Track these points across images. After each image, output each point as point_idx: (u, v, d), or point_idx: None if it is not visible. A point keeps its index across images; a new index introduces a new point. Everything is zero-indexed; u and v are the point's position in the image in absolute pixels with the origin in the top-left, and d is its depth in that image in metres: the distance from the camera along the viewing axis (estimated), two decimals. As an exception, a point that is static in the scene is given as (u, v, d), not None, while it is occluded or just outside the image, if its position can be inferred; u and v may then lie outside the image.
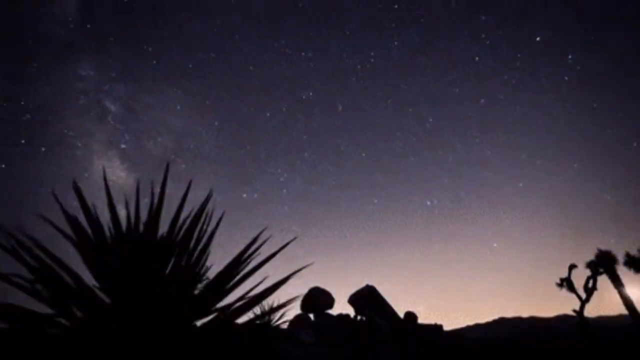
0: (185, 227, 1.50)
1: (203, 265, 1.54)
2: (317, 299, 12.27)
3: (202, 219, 1.61)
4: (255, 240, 1.52)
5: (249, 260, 1.50)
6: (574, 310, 10.57)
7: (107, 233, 1.50)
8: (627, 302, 9.23)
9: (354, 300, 13.56)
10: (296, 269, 1.60)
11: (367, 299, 13.94)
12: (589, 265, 10.50)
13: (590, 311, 11.98)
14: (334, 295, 13.13)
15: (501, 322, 16.36)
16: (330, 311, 12.67)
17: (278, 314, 6.74)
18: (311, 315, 12.04)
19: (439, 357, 10.16)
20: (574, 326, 11.27)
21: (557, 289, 11.86)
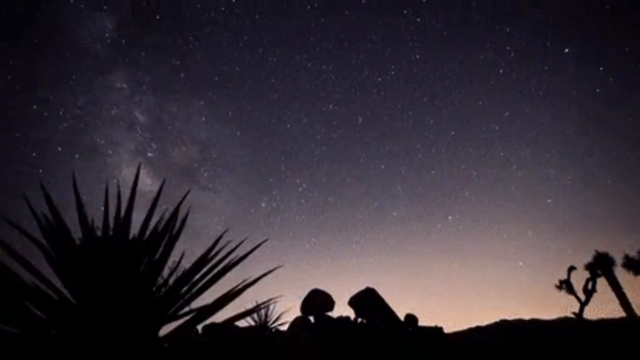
0: (147, 230, 1.47)
1: (174, 268, 1.51)
2: (317, 300, 12.20)
3: (173, 221, 1.56)
4: (216, 243, 1.49)
5: (212, 265, 1.46)
6: (573, 313, 10.43)
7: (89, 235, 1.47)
8: (625, 304, 9.08)
9: (354, 302, 13.46)
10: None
11: (368, 301, 13.83)
12: (588, 267, 10.36)
13: (592, 313, 11.82)
14: (334, 297, 13.05)
15: (502, 324, 16.11)
16: (330, 313, 12.58)
17: (274, 316, 6.69)
18: (311, 318, 11.96)
19: None
20: (575, 328, 11.12)
21: (565, 289, 11.73)
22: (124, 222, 1.44)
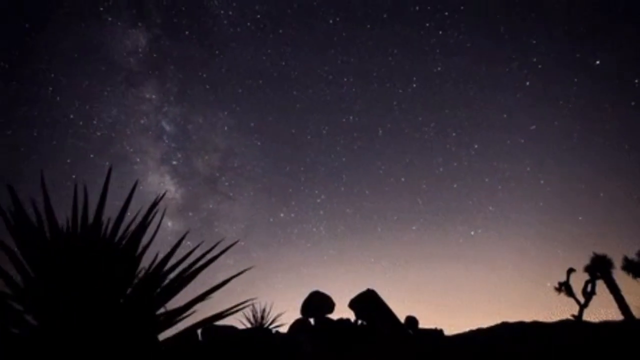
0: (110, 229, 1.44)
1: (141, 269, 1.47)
2: (317, 303, 12.12)
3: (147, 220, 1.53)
4: (178, 244, 1.45)
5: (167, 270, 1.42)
6: (573, 315, 10.25)
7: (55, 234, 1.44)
8: (623, 307, 8.92)
9: (354, 304, 13.35)
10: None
11: (368, 303, 13.72)
12: (587, 269, 10.20)
13: (594, 316, 11.62)
14: (335, 299, 12.97)
15: (503, 326, 15.85)
16: (330, 315, 12.50)
17: (271, 318, 6.64)
18: (311, 320, 11.88)
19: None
20: (577, 331, 10.92)
21: (564, 292, 11.57)
22: (95, 222, 1.41)
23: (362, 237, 33.19)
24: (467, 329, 17.65)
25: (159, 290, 1.52)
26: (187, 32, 27.43)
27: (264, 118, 32.26)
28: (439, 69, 28.49)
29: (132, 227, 1.59)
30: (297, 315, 12.21)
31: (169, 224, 27.61)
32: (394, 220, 32.50)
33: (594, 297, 10.84)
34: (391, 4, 28.60)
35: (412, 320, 14.10)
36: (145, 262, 1.65)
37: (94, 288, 1.29)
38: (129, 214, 1.61)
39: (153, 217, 1.69)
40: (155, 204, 1.58)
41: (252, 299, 1.72)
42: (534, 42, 26.19)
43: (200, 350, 7.33)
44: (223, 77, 30.74)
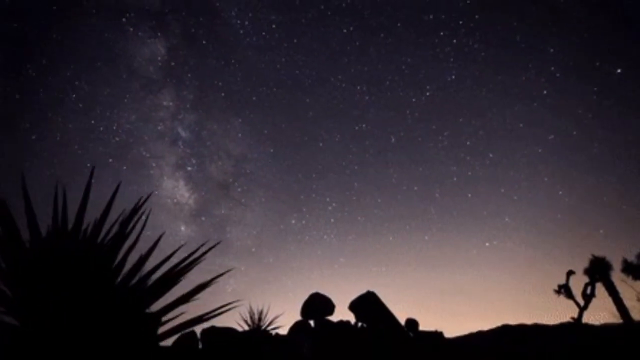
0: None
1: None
2: (317, 305, 12.06)
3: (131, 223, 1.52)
4: (154, 246, 1.43)
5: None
6: (572, 318, 10.14)
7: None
8: (621, 310, 8.80)
9: (354, 306, 13.27)
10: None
11: (368, 305, 13.63)
12: (586, 271, 10.09)
13: (595, 318, 11.48)
14: (335, 301, 12.90)
15: (504, 329, 15.66)
16: (330, 317, 12.42)
17: (268, 320, 6.60)
18: (311, 322, 11.81)
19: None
20: (578, 334, 10.82)
21: (564, 294, 11.45)
22: (75, 224, 1.40)
23: (374, 246, 32.59)
24: (468, 332, 17.48)
25: (141, 291, 1.50)
26: (204, 42, 28.13)
27: (277, 125, 32.35)
28: (453, 77, 27.95)
29: (125, 228, 1.58)
30: (299, 317, 12.16)
31: (182, 228, 27.93)
32: (405, 229, 31.38)
33: (596, 300, 10.75)
34: (405, 13, 28.60)
35: (412, 323, 13.97)
36: (130, 265, 1.64)
37: (69, 289, 1.27)
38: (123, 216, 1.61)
39: (139, 218, 1.68)
40: (136, 208, 1.57)
41: (237, 301, 1.70)
42: (552, 50, 25.45)
43: (199, 352, 7.30)
44: (238, 85, 31.16)
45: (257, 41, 28.75)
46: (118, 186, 1.56)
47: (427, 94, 28.20)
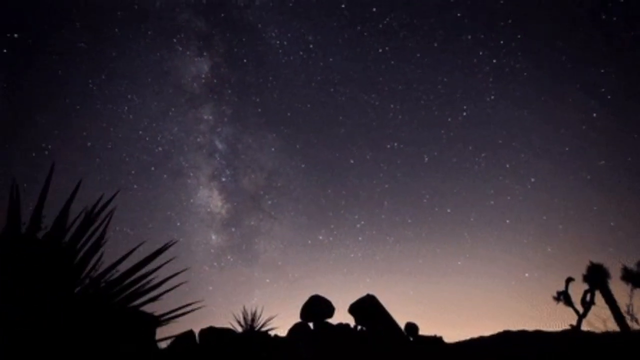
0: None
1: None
2: (317, 307, 11.96)
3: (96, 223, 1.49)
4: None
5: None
6: (571, 325, 9.87)
7: None
8: (618, 318, 8.53)
9: (354, 309, 13.14)
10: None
11: (368, 308, 13.48)
12: (584, 278, 9.83)
13: (600, 326, 11.14)
14: (335, 303, 12.78)
15: (505, 335, 15.30)
16: (330, 320, 12.30)
17: (261, 321, 6.54)
18: (311, 324, 11.71)
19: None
20: (579, 341, 10.52)
21: (563, 301, 11.18)
22: (32, 223, 1.38)
23: (403, 268, 31.58)
24: (469, 337, 17.16)
25: (101, 289, 1.47)
26: (244, 60, 29.81)
27: (309, 141, 32.45)
28: (492, 97, 26.62)
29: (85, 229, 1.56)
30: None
31: (213, 237, 28.84)
32: (436, 253, 29.76)
33: (600, 307, 10.44)
34: (442, 34, 27.90)
35: (412, 327, 13.77)
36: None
37: (22, 290, 1.26)
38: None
39: (109, 218, 1.66)
40: (92, 211, 1.54)
41: (198, 301, 1.66)
42: (602, 71, 23.61)
43: (196, 351, 7.24)
44: (274, 101, 32.05)
45: (294, 60, 29.88)
46: (79, 183, 1.54)
47: (464, 113, 27.31)
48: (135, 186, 26.26)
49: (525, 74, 25.94)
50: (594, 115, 24.26)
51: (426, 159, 28.65)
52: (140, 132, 27.27)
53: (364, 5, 27.41)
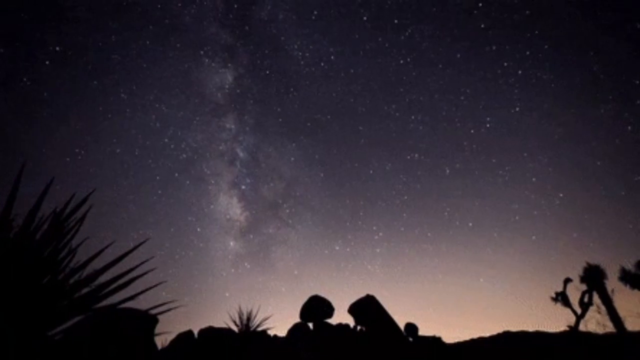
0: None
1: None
2: (317, 307, 11.91)
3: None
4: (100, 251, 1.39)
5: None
6: (569, 326, 9.74)
7: None
8: (615, 319, 8.40)
9: (354, 309, 13.08)
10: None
11: (367, 308, 13.41)
12: (581, 279, 9.69)
13: (598, 327, 10.98)
14: (334, 304, 12.73)
15: (505, 335, 15.10)
16: (329, 320, 12.25)
17: (256, 321, 6.54)
18: (310, 324, 11.66)
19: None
20: (579, 342, 10.37)
21: (561, 302, 11.03)
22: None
23: (423, 281, 30.09)
24: (469, 337, 16.99)
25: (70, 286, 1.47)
26: (267, 72, 30.10)
27: (329, 151, 32.09)
28: (517, 109, 25.47)
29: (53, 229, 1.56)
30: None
31: (231, 243, 28.99)
32: (457, 268, 28.80)
33: (601, 308, 10.27)
34: (466, 45, 27.41)
35: (411, 327, 13.68)
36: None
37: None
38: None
39: (83, 218, 1.65)
40: (59, 214, 1.54)
41: (174, 301, 1.65)
42: (637, 82, 22.04)
43: (195, 348, 7.28)
44: (295, 111, 32.22)
45: (315, 71, 30.03)
46: (51, 181, 1.54)
47: (488, 125, 26.12)
48: (159, 191, 27.51)
49: (553, 85, 24.83)
50: (629, 128, 22.73)
51: (447, 171, 27.74)
52: (166, 140, 28.24)
53: (386, 17, 27.49)
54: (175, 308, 1.68)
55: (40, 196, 1.47)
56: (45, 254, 1.49)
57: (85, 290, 1.61)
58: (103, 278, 1.67)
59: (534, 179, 25.69)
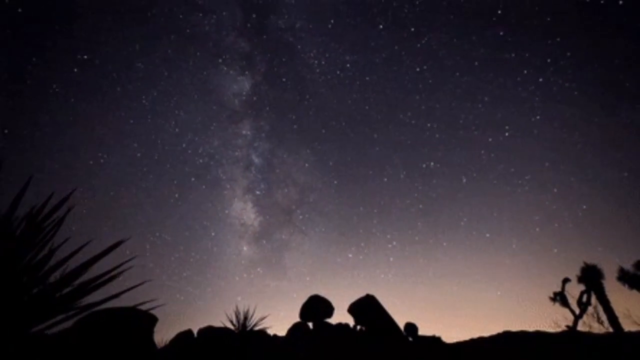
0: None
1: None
2: (316, 307, 11.87)
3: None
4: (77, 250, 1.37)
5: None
6: (567, 326, 9.64)
7: None
8: (612, 319, 8.30)
9: (353, 309, 13.03)
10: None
11: (367, 308, 13.35)
12: (579, 279, 9.60)
13: (597, 327, 10.85)
14: (334, 303, 12.69)
15: (505, 336, 14.98)
16: (329, 320, 12.21)
17: (253, 321, 6.52)
18: (310, 324, 11.62)
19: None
20: (580, 342, 10.27)
21: (559, 302, 10.93)
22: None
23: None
24: (469, 337, 16.87)
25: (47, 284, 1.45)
26: (283, 79, 30.59)
27: (343, 158, 31.73)
28: (537, 117, 24.74)
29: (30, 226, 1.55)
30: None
31: (244, 248, 28.98)
32: (474, 279, 27.69)
33: (601, 308, 10.16)
34: (483, 52, 26.74)
35: (411, 327, 13.61)
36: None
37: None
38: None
39: (64, 217, 1.64)
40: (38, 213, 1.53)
41: (152, 300, 1.63)
42: None
43: (195, 346, 7.28)
44: (310, 118, 32.25)
45: (331, 79, 30.22)
46: (29, 179, 1.53)
47: (506, 134, 25.21)
48: (176, 195, 27.93)
49: (575, 92, 23.90)
50: (655, 137, 20.75)
51: (464, 179, 26.99)
52: (184, 145, 28.76)
53: (402, 26, 27.40)
54: (157, 307, 1.66)
55: (18, 194, 1.46)
56: (27, 255, 1.48)
57: (67, 289, 1.60)
58: (86, 277, 1.66)
59: (555, 190, 24.69)
